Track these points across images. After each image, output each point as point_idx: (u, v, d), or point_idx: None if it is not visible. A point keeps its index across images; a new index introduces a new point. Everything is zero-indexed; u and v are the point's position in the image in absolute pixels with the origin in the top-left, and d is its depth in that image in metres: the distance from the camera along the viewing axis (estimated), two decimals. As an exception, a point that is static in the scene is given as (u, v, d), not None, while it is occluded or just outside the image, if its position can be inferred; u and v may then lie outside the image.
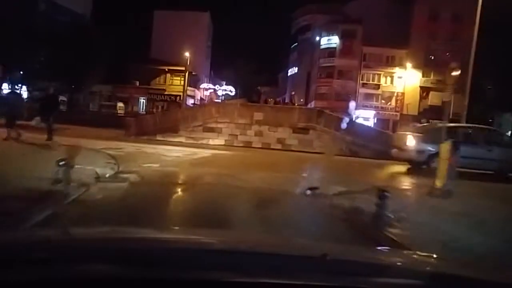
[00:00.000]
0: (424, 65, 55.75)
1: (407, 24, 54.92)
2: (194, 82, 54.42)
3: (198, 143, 25.48)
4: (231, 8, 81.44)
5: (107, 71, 46.48)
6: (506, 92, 39.57)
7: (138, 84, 51.60)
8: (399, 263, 1.79)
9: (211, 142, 25.68)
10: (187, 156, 17.32)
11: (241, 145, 25.63)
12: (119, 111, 46.56)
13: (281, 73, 69.21)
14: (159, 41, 55.45)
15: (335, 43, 58.45)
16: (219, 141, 25.73)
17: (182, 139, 25.57)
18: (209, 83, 58.89)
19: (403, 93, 57.77)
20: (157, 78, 53.29)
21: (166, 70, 52.85)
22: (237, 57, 71.13)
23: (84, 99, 50.01)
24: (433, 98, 56.84)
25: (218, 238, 2.16)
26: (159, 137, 25.59)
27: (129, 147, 18.43)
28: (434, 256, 2.24)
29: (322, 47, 58.86)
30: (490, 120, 54.98)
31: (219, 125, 25.73)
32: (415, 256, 2.32)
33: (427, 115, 54.21)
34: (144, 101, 51.71)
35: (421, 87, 57.12)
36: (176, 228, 4.46)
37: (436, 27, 54.71)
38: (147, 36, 57.50)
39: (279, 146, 25.73)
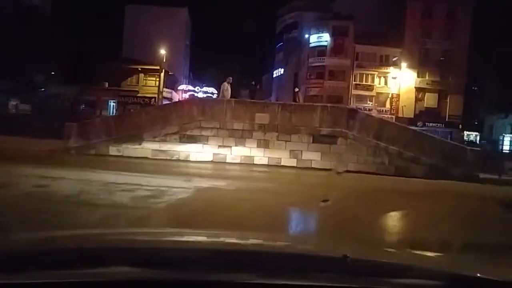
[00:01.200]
0: (419, 65, 48.42)
1: (400, 22, 47.84)
2: (171, 83, 44.29)
3: (172, 160, 15.35)
4: (211, 4, 71.22)
5: (72, 71, 38.15)
6: (503, 94, 34.54)
7: (107, 86, 41.17)
8: (419, 264, 1.60)
9: (192, 157, 15.62)
10: (141, 202, 7.32)
11: (237, 161, 15.68)
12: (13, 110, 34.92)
13: (265, 74, 59.63)
14: (131, 38, 45.12)
15: (326, 41, 49.26)
16: (204, 156, 15.69)
17: (148, 153, 15.45)
18: (188, 84, 48.97)
19: (398, 95, 49.60)
20: (129, 79, 42.80)
21: (139, 69, 42.47)
22: (218, 57, 61.83)
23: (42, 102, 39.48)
24: (429, 100, 50.06)
25: (236, 239, 1.98)
26: (113, 151, 15.43)
27: (38, 179, 8.34)
28: (455, 257, 2.42)
29: (311, 45, 49.65)
30: (476, 123, 49.03)
31: (204, 132, 15.73)
32: (435, 257, 2.23)
33: (423, 117, 47.65)
34: (114, 104, 41.27)
35: (416, 88, 49.51)
36: (190, 230, 2.92)
37: (431, 25, 47.70)
38: (118, 33, 47.15)
39: (293, 163, 15.87)
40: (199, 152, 15.61)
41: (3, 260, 1.27)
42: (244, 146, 15.84)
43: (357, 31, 47.48)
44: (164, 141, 15.56)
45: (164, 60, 40.90)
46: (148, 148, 15.55)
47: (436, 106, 48.69)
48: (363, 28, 46.05)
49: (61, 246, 1.51)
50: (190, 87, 47.63)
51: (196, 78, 54.34)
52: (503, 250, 5.48)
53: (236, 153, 15.80)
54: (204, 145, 15.68)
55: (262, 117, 15.66)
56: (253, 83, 17.52)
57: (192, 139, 15.60)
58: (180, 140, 15.55)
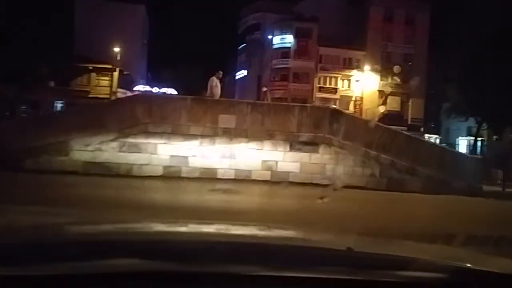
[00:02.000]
0: (382, 68, 46.56)
1: (363, 25, 45.87)
2: (127, 84, 39.41)
3: (110, 176, 11.23)
4: (170, 3, 65.82)
5: (14, 67, 32.45)
6: (462, 98, 32.33)
7: (53, 85, 35.90)
8: (424, 257, 1.48)
9: (136, 171, 11.54)
10: None
11: (195, 175, 11.72)
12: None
13: (227, 76, 55.59)
14: (83, 34, 39.99)
15: (289, 43, 46.21)
16: (153, 169, 11.70)
17: (78, 167, 11.17)
18: (146, 85, 44.29)
19: (361, 98, 47.42)
20: (79, 78, 37.69)
21: (91, 68, 37.37)
22: (178, 58, 57.36)
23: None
24: (392, 103, 48.19)
25: (241, 231, 1.88)
26: (29, 164, 11.11)
27: None
28: (459, 249, 2.20)
29: (274, 47, 46.45)
30: (432, 126, 48.05)
31: (152, 139, 11.65)
32: (440, 249, 2.18)
33: (387, 121, 45.80)
34: (61, 105, 36.06)
35: (379, 91, 47.52)
36: (195, 221, 2.46)
37: (392, 29, 46.25)
38: (68, 28, 41.79)
39: (266, 176, 12.13)
40: (145, 165, 11.57)
41: (7, 253, 1.18)
42: (204, 156, 11.95)
43: (320, 34, 44.90)
44: (99, 150, 11.38)
45: (119, 58, 36.32)
46: (78, 160, 11.32)
47: (399, 109, 47.06)
48: (327, 30, 43.55)
49: (66, 239, 1.47)
50: (148, 88, 43.06)
51: (155, 79, 49.69)
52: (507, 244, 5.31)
53: (194, 165, 11.87)
54: (152, 156, 11.65)
55: (227, 120, 11.83)
56: (221, 72, 13.15)
57: (136, 148, 11.48)
58: (121, 149, 11.40)
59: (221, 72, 13.87)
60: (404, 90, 47.72)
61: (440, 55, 40.38)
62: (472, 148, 35.90)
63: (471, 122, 39.22)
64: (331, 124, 12.50)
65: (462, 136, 46.68)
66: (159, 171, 11.64)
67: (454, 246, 4.56)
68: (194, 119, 11.78)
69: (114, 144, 11.33)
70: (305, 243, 1.70)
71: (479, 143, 39.33)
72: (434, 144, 21.23)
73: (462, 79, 30.99)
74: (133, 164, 11.51)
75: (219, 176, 11.90)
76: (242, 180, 11.76)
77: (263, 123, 11.98)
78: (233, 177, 11.90)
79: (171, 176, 11.55)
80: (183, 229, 1.86)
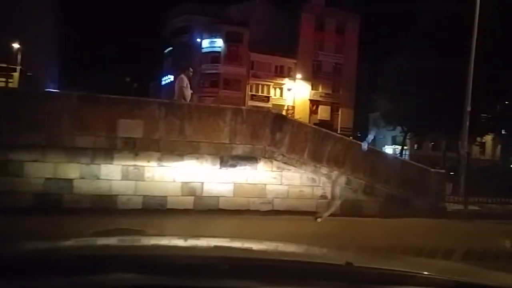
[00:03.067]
0: (313, 77, 45.62)
1: (295, 32, 44.64)
2: (31, 87, 33.84)
3: None
4: (91, 4, 59.12)
5: None
6: (392, 107, 31.79)
7: None
8: (423, 272, 1.46)
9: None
10: None
11: (85, 205, 8.13)
12: None
13: (153, 81, 51.06)
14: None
15: (219, 47, 43.37)
16: (18, 197, 7.77)
17: None
18: (56, 89, 38.66)
19: (293, 107, 46.07)
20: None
21: (-21, 67, 31.50)
22: (98, 61, 51.92)
23: None
24: (323, 112, 47.57)
25: (240, 246, 1.88)
26: None
27: None
28: (459, 264, 2.11)
29: (204, 50, 43.36)
30: (359, 135, 48.41)
31: (17, 155, 7.76)
32: (439, 264, 2.08)
33: None
34: None
35: (310, 100, 46.51)
36: (193, 236, 2.34)
37: (323, 37, 45.76)
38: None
39: (187, 203, 8.71)
40: (3, 193, 7.60)
41: (5, 266, 1.16)
42: (98, 177, 8.25)
43: (252, 39, 42.69)
44: None
45: (21, 57, 30.90)
46: None
47: (329, 119, 46.26)
48: (258, 36, 41.46)
49: (63, 254, 1.43)
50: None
51: (72, 84, 44.08)
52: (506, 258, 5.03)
53: (81, 190, 8.11)
54: (16, 179, 7.73)
55: (130, 127, 8.24)
56: (191, 70, 10.66)
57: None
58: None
59: (191, 69, 10.61)
60: (334, 99, 47.07)
61: (369, 65, 40.34)
62: (399, 156, 35.67)
63: (397, 131, 39.46)
64: (273, 133, 9.41)
65: (388, 145, 47.07)
66: (28, 202, 7.74)
67: (453, 260, 4.07)
68: (82, 125, 8.04)
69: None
70: (305, 258, 1.67)
71: (407, 152, 39.55)
72: (394, 156, 19.26)
73: (389, 89, 30.63)
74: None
75: (119, 206, 8.25)
76: (154, 210, 8.23)
77: (183, 132, 8.55)
78: (140, 207, 8.32)
79: (47, 207, 7.71)
80: (180, 244, 1.79)
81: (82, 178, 8.18)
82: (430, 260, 2.35)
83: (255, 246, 1.91)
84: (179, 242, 1.85)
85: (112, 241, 1.84)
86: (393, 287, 1.26)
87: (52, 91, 16.69)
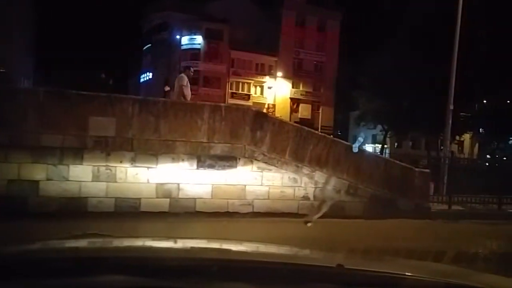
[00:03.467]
0: (294, 75, 45.50)
1: (276, 30, 44.24)
2: (3, 83, 32.69)
3: None
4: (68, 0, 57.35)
5: None
6: (373, 105, 32.65)
7: None
8: (415, 273, 1.44)
9: None
10: None
11: (52, 208, 7.59)
12: None
13: (131, 79, 50.02)
14: None
15: (199, 44, 42.79)
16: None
17: None
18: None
19: (274, 105, 45.77)
20: None
21: None
22: (76, 59, 50.63)
23: None
24: (303, 111, 47.51)
25: (230, 248, 1.83)
26: None
27: None
28: (450, 266, 2.05)
29: (183, 47, 42.71)
30: (339, 133, 49.01)
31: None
32: (431, 266, 2.02)
33: None
34: None
35: (291, 99, 46.40)
36: (184, 239, 2.37)
37: (304, 35, 45.57)
38: None
39: (162, 205, 8.31)
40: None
41: None
42: (67, 178, 7.76)
43: (232, 37, 42.29)
44: None
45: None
46: None
47: (310, 117, 46.21)
48: (239, 34, 41.08)
49: (53, 255, 1.41)
50: (32, 89, 36.34)
51: (47, 81, 42.85)
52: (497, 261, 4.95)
53: (48, 193, 7.61)
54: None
55: (102, 125, 7.76)
56: (192, 69, 11.20)
57: None
58: None
59: (192, 68, 10.95)
60: (315, 97, 47.09)
61: (350, 63, 40.46)
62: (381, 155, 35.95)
63: (378, 129, 39.78)
64: (254, 131, 9.07)
65: (368, 144, 47.34)
66: (-11, 205, 7.19)
67: (444, 263, 3.66)
68: (49, 123, 7.53)
69: None
70: (295, 260, 1.66)
71: (387, 150, 39.93)
72: (378, 155, 19.10)
73: (369, 87, 30.81)
74: None
75: (90, 209, 7.78)
76: (126, 213, 7.79)
77: (158, 130, 8.12)
78: (112, 210, 7.86)
79: (10, 212, 7.17)
80: (172, 246, 1.80)
81: (49, 179, 7.67)
82: (421, 262, 2.28)
83: (244, 248, 1.90)
84: (168, 244, 1.84)
85: (100, 242, 1.82)
86: None
87: (16, 87, 15.92)
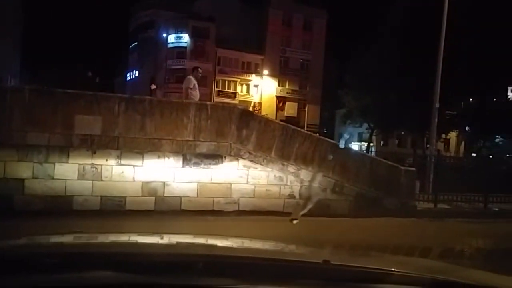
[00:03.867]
0: (280, 74, 45.65)
1: (262, 28, 44.45)
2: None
3: None
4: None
5: None
6: (359, 103, 32.43)
7: None
8: (401, 269, 1.46)
9: None
10: None
11: (37, 207, 7.59)
12: None
13: (118, 77, 49.69)
14: None
15: (185, 42, 42.71)
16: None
17: None
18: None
19: (260, 103, 45.88)
20: None
21: None
22: (62, 58, 50.16)
23: None
24: (289, 109, 47.72)
25: (216, 244, 1.87)
26: None
27: None
28: (437, 262, 2.16)
29: (169, 46, 42.59)
30: (325, 131, 49.47)
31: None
32: (417, 262, 2.09)
33: None
34: None
35: (277, 97, 46.57)
36: (174, 234, 2.40)
37: (290, 34, 45.83)
38: None
39: (148, 204, 8.40)
40: None
41: None
42: (53, 177, 7.81)
43: (218, 35, 42.32)
44: None
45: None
46: None
47: (296, 115, 46.43)
48: (225, 32, 41.07)
49: (42, 251, 1.42)
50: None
51: (34, 79, 42.38)
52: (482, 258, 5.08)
53: (34, 191, 7.65)
54: None
55: (88, 123, 7.82)
56: (200, 70, 10.95)
57: None
58: None
59: (200, 70, 10.62)
60: (301, 96, 47.35)
61: (336, 62, 40.75)
62: (366, 153, 36.25)
63: (364, 128, 40.06)
64: (240, 129, 9.21)
65: (354, 142, 47.70)
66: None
67: (431, 258, 3.95)
68: (35, 121, 7.57)
69: None
70: (281, 256, 1.66)
71: (373, 148, 40.30)
72: (364, 154, 19.29)
73: (355, 86, 30.99)
74: None
75: (75, 207, 7.84)
76: (112, 212, 7.87)
77: (144, 128, 8.21)
78: (97, 208, 7.93)
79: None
80: (159, 241, 1.78)
81: (34, 178, 7.72)
82: (408, 258, 2.35)
83: (231, 244, 1.90)
84: (154, 240, 1.84)
85: (88, 238, 1.82)
86: (371, 285, 1.26)
87: (2, 85, 15.83)
